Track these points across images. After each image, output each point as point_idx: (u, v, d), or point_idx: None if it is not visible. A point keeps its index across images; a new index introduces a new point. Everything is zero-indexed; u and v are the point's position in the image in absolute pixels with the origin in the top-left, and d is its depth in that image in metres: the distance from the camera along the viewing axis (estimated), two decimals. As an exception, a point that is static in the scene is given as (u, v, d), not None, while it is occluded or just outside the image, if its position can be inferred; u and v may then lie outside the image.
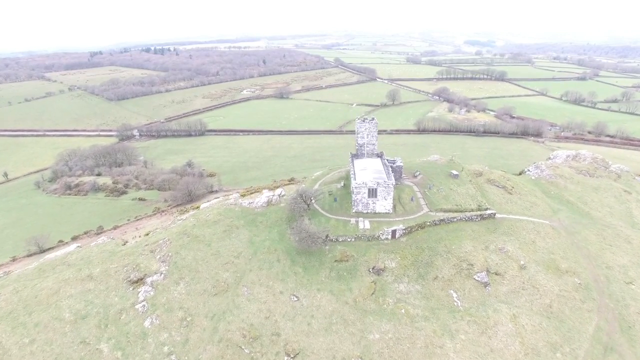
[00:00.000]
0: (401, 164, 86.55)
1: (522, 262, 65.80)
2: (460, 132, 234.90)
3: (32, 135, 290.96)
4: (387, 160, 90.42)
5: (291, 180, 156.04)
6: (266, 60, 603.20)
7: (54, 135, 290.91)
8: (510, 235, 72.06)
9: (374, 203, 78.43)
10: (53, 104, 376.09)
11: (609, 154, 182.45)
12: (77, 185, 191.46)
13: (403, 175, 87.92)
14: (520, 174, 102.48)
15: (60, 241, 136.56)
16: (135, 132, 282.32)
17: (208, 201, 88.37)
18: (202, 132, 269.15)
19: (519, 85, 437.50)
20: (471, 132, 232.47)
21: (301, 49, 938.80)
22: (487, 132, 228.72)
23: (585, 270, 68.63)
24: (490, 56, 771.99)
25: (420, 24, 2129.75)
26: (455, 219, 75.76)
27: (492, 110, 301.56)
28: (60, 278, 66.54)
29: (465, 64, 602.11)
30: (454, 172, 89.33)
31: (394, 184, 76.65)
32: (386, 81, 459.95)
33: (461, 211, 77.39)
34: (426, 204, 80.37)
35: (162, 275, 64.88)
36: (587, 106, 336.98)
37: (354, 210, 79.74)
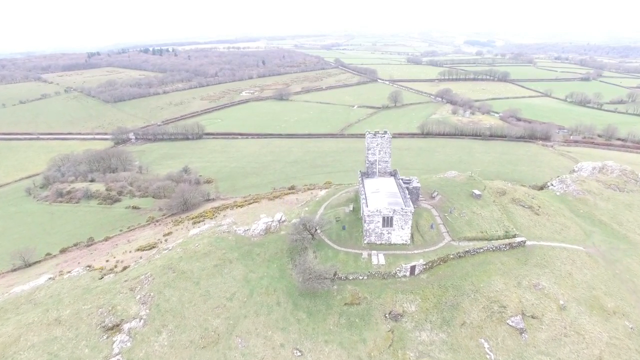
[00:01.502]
0: (418, 185, 77.10)
1: (561, 302, 56.62)
2: (466, 135, 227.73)
3: (26, 139, 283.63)
4: (402, 179, 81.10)
5: (291, 189, 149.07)
6: (265, 61, 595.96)
7: (47, 139, 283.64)
8: (543, 267, 62.94)
9: (389, 233, 68.74)
10: (48, 105, 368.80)
11: (621, 159, 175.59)
12: (69, 192, 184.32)
13: (420, 196, 78.98)
14: (541, 188, 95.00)
15: (48, 254, 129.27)
16: (131, 136, 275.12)
17: (198, 227, 78.59)
18: (200, 136, 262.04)
19: (522, 86, 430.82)
20: (477, 135, 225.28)
21: (301, 49, 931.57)
22: (493, 136, 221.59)
23: (634, 310, 59.55)
24: (491, 56, 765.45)
25: (419, 24, 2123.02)
26: (481, 250, 66.92)
27: (496, 112, 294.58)
28: (23, 322, 57.08)
29: (466, 65, 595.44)
30: (476, 191, 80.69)
31: (412, 211, 67.71)
32: (387, 82, 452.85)
33: (487, 239, 68.70)
34: (447, 232, 71.36)
35: (142, 321, 55.54)
36: (593, 107, 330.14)
37: (365, 242, 70.08)
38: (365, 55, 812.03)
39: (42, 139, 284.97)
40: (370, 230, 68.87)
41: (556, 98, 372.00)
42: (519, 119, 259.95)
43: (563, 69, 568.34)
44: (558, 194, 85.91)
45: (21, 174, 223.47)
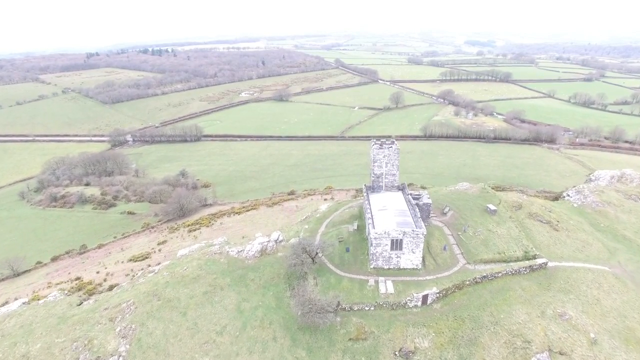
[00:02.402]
0: (429, 202, 70.45)
1: (591, 335, 50.16)
2: (469, 138, 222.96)
3: (22, 141, 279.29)
4: (412, 195, 74.23)
5: (291, 194, 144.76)
6: (265, 62, 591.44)
7: (43, 141, 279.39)
8: (568, 293, 56.67)
9: (398, 257, 61.93)
10: (45, 107, 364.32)
11: (629, 162, 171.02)
12: (63, 196, 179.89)
13: (431, 213, 72.62)
14: (556, 198, 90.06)
15: (39, 262, 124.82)
16: (129, 138, 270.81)
17: (188, 246, 71.67)
18: (198, 138, 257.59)
19: (524, 87, 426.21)
20: (481, 138, 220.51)
21: (301, 49, 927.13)
22: (497, 139, 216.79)
23: (674, 343, 52.53)
24: (492, 57, 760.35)
25: (419, 24, 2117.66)
26: (499, 274, 60.68)
27: (500, 114, 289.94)
28: (-16, 359, 50.60)
29: (467, 65, 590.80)
30: (491, 206, 74.43)
31: (424, 233, 60.63)
32: (388, 83, 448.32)
33: (505, 261, 62.61)
34: (462, 254, 65.01)
35: (121, 358, 49.26)
36: (597, 109, 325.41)
37: (372, 266, 63.13)
38: (366, 55, 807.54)
39: (38, 140, 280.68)
40: (377, 254, 62.27)
41: (559, 99, 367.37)
42: (523, 121, 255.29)
43: (565, 69, 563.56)
44: (575, 205, 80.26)
45: (16, 177, 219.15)
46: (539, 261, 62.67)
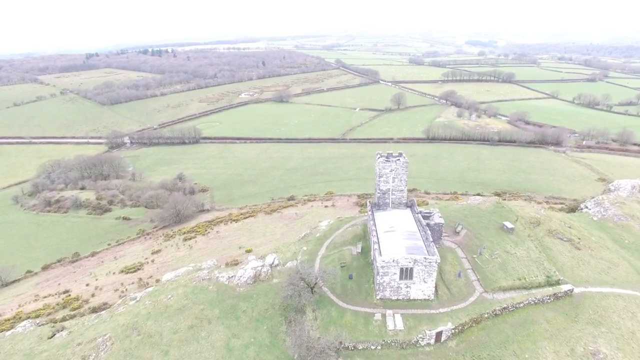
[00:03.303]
0: (441, 221, 63.50)
1: None
2: (473, 140, 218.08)
3: (18, 143, 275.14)
4: (422, 213, 67.25)
5: (290, 199, 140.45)
6: (265, 62, 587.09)
7: (40, 143, 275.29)
8: (599, 326, 49.69)
9: (407, 287, 55.15)
10: (43, 108, 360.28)
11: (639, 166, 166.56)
12: (57, 201, 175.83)
13: (443, 233, 65.84)
14: (573, 210, 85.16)
15: (29, 272, 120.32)
16: (126, 140, 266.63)
17: (173, 270, 64.26)
18: (197, 140, 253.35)
19: (527, 88, 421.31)
20: (485, 140, 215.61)
21: (301, 49, 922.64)
22: (502, 141, 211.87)
23: None
24: (494, 57, 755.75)
25: (420, 24, 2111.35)
26: (521, 305, 53.96)
27: (503, 116, 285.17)
28: None
29: (469, 65, 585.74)
30: (508, 224, 67.89)
31: (438, 261, 53.74)
32: (390, 84, 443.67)
33: (526, 288, 55.86)
34: (478, 280, 57.89)
35: None
36: (602, 110, 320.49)
37: (378, 297, 55.91)
38: (367, 55, 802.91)
39: (35, 143, 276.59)
40: (384, 284, 55.02)
41: (563, 100, 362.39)
42: (527, 123, 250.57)
43: (568, 69, 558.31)
44: (595, 219, 74.39)
45: (10, 180, 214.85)
46: (564, 288, 56.47)
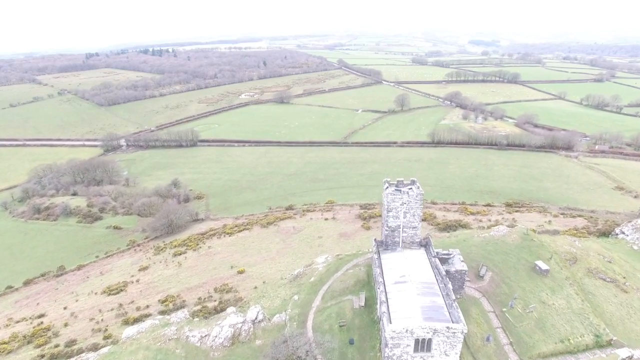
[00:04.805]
0: (463, 268, 52.62)
1: None
2: (481, 144, 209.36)
3: (11, 145, 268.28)
4: (439, 255, 55.72)
5: (289, 209, 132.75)
6: (267, 62, 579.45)
7: (34, 145, 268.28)
8: None
9: None
10: (39, 109, 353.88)
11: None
12: (47, 207, 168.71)
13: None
14: (605, 234, 76.84)
15: (9, 287, 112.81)
16: (122, 142, 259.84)
17: (137, 325, 51.24)
18: (194, 143, 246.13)
19: (533, 88, 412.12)
20: (493, 144, 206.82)
21: (303, 49, 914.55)
22: (511, 145, 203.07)
23: None
24: (498, 57, 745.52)
25: (422, 23, 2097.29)
26: None
27: (510, 118, 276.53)
28: None
29: (473, 65, 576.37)
30: (541, 265, 56.97)
31: (465, 331, 43.03)
32: (392, 84, 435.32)
33: (572, 352, 45.12)
34: (511, 344, 46.75)
35: None
36: (612, 111, 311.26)
37: None
38: (369, 55, 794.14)
39: (29, 145, 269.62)
40: (394, 358, 44.68)
41: (571, 101, 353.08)
42: (536, 126, 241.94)
43: (574, 69, 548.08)
44: (636, 248, 65.13)
45: (1, 184, 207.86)
46: (622, 353, 44.62)
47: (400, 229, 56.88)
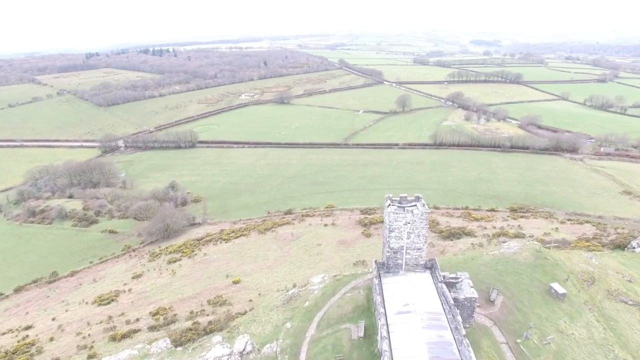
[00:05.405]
0: (473, 295, 47.74)
1: None
2: (484, 146, 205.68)
3: (8, 146, 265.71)
4: (445, 279, 50.64)
5: (288, 214, 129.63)
6: (267, 62, 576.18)
7: (32, 146, 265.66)
8: None
9: None
10: (38, 110, 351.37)
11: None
12: (42, 210, 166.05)
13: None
14: (620, 247, 73.44)
15: (0, 294, 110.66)
16: (121, 143, 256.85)
17: (125, 338, 50.88)
18: (193, 144, 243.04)
19: (536, 89, 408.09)
20: (496, 147, 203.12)
21: (304, 49, 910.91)
22: (514, 147, 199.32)
23: None
24: (500, 56, 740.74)
25: (424, 23, 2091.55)
26: None
27: (513, 119, 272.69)
28: None
29: (475, 65, 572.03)
30: (557, 288, 52.36)
31: None
32: (394, 84, 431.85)
33: None
34: None
35: None
36: (616, 112, 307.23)
37: None
38: (370, 55, 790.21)
39: (26, 146, 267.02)
40: None
41: (574, 102, 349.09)
42: (539, 127, 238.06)
43: (576, 69, 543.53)
44: None
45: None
46: None
47: (404, 251, 51.77)
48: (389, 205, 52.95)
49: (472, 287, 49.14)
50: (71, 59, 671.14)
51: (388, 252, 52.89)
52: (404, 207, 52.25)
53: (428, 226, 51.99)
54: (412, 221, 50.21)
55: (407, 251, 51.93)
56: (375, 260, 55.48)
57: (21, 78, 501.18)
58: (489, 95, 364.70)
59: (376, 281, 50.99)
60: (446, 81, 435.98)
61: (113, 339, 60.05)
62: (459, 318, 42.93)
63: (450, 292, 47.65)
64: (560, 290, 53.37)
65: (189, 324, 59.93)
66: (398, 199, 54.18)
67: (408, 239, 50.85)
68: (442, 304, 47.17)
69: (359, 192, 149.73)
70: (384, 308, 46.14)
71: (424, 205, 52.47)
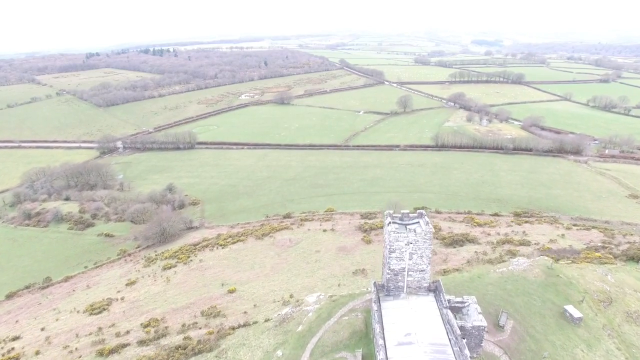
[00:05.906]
0: (482, 323, 43.95)
1: None
2: (486, 148, 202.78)
3: (6, 147, 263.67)
4: (450, 303, 46.69)
5: (287, 217, 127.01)
6: (268, 62, 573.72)
7: (29, 147, 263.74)
8: None
9: None
10: (37, 110, 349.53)
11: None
12: (38, 213, 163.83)
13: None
14: (634, 259, 70.53)
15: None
16: (119, 144, 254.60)
17: (113, 353, 46.21)
18: (192, 145, 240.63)
19: (538, 89, 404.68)
20: (499, 149, 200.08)
21: (305, 49, 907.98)
22: (517, 149, 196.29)
23: None
24: (501, 57, 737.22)
25: (425, 23, 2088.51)
26: None
27: (516, 120, 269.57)
28: None
29: (476, 65, 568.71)
30: (573, 311, 48.84)
31: None
32: (395, 85, 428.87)
33: None
34: None
35: None
36: (619, 113, 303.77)
37: None
38: (371, 55, 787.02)
39: (24, 147, 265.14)
40: None
41: (577, 102, 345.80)
42: (542, 128, 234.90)
43: (578, 69, 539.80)
44: None
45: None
46: None
47: (405, 272, 47.07)
48: (390, 223, 48.56)
49: (479, 313, 45.10)
50: (71, 59, 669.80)
51: (388, 273, 48.48)
52: (405, 225, 48.57)
53: (432, 246, 48.01)
54: (414, 241, 46.23)
55: (409, 273, 47.56)
56: (375, 282, 51.25)
57: (21, 78, 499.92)
58: (491, 96, 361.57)
59: (375, 307, 47.05)
60: (447, 81, 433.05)
61: (100, 354, 57.55)
62: (467, 353, 38.35)
63: (456, 318, 43.97)
64: (576, 314, 49.65)
65: (179, 338, 57.40)
66: (399, 215, 50.09)
67: (410, 260, 46.71)
68: (447, 333, 42.95)
69: (359, 195, 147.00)
70: (384, 339, 42.23)
71: (427, 224, 48.56)
